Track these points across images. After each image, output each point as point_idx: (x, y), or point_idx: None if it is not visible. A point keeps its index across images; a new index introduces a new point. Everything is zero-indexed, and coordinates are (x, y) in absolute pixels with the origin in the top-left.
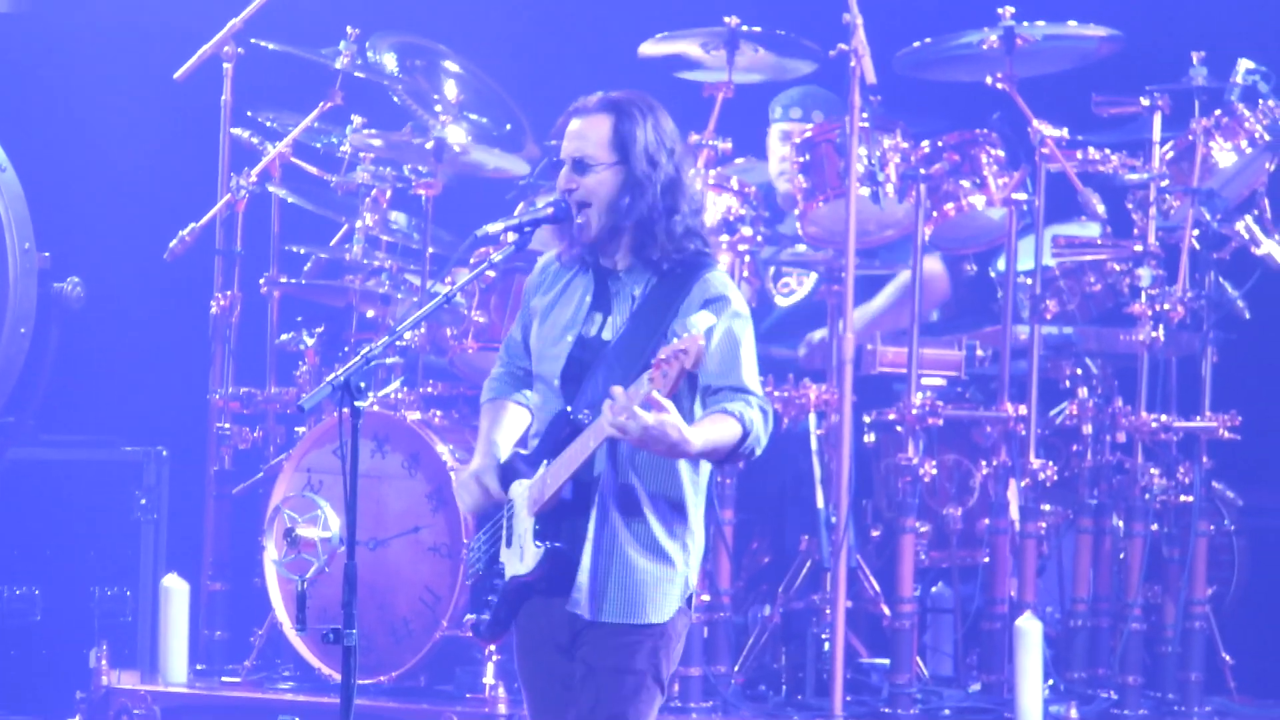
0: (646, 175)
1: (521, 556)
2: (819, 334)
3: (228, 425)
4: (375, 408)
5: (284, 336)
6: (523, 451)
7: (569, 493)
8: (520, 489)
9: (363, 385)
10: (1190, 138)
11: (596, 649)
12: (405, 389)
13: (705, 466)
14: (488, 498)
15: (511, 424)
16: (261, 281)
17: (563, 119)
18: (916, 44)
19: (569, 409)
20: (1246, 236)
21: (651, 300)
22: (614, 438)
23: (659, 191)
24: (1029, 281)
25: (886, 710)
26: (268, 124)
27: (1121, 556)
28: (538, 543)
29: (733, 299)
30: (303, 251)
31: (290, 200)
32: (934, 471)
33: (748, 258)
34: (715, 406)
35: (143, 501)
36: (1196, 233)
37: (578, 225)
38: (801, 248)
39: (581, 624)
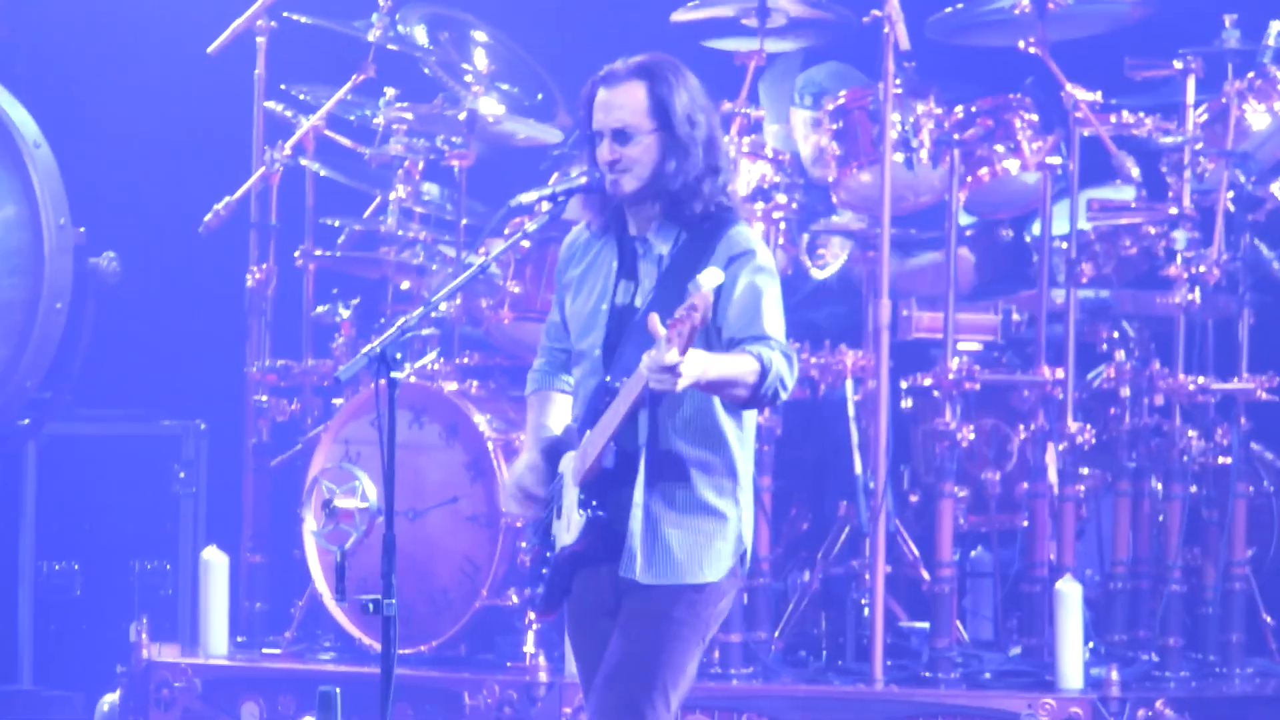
0: (690, 137)
1: (568, 527)
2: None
3: (265, 398)
4: (412, 379)
5: (320, 309)
6: (572, 426)
7: (611, 461)
8: (568, 462)
9: (399, 356)
10: (1224, 100)
11: (637, 603)
12: (441, 360)
13: (749, 422)
14: (531, 503)
15: (558, 413)
16: (297, 254)
17: (587, 89)
18: (949, 9)
19: (608, 378)
20: None
21: (678, 261)
22: (652, 400)
23: (701, 152)
24: (1064, 245)
25: (927, 674)
26: (301, 97)
27: (1160, 519)
28: (580, 511)
29: (758, 251)
30: (337, 224)
31: (324, 173)
32: (971, 436)
33: (783, 224)
34: (737, 349)
35: (181, 475)
36: (1231, 195)
37: (615, 192)
38: (838, 217)
39: (630, 586)
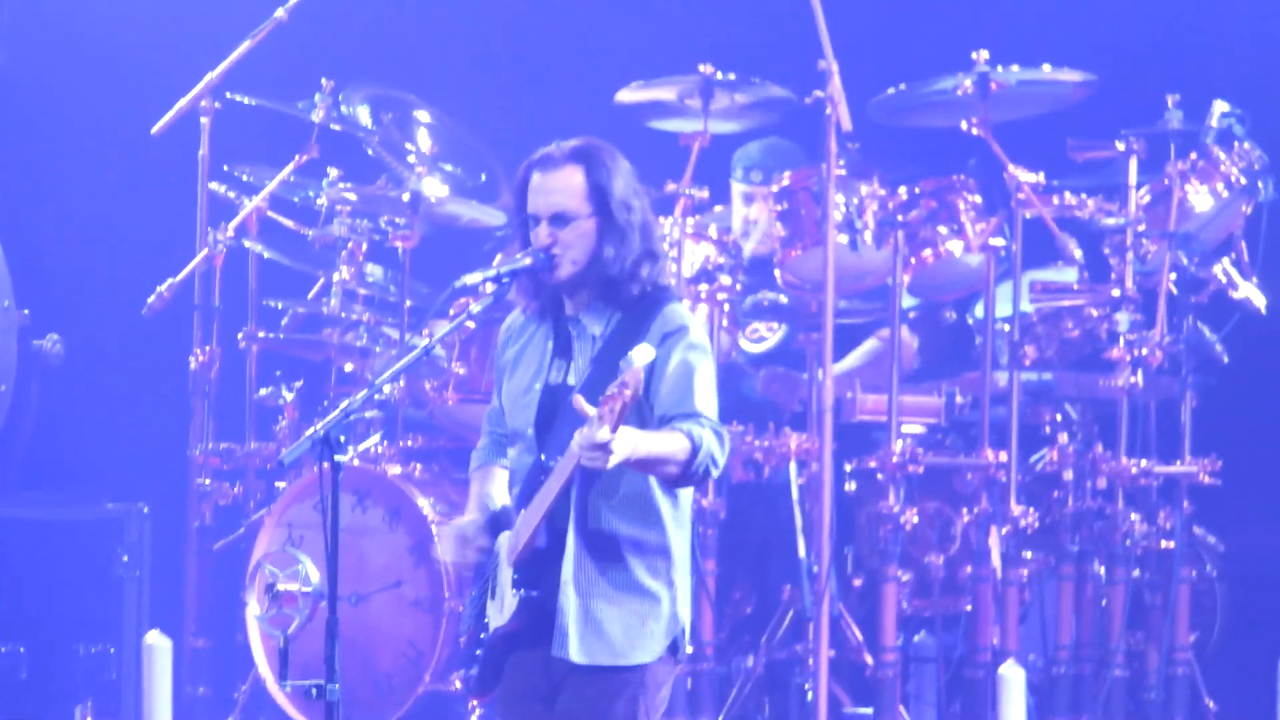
0: (628, 222)
1: (502, 608)
2: (778, 368)
3: (208, 481)
4: (355, 462)
5: (263, 391)
6: (509, 506)
7: (545, 541)
8: (504, 541)
9: (342, 439)
10: (1166, 181)
11: (575, 697)
12: (385, 443)
13: (685, 502)
14: (468, 547)
15: (500, 487)
16: (240, 336)
17: (521, 173)
18: (891, 90)
19: (543, 457)
20: (1224, 280)
21: (612, 341)
22: (585, 479)
23: (638, 237)
24: (1007, 327)
25: None
26: (244, 178)
27: (1104, 603)
28: (514, 591)
29: (690, 329)
30: (280, 306)
31: (267, 255)
32: (915, 519)
33: (727, 306)
34: (667, 427)
35: (125, 558)
36: (1174, 277)
37: (551, 278)
38: (769, 295)
39: (562, 670)
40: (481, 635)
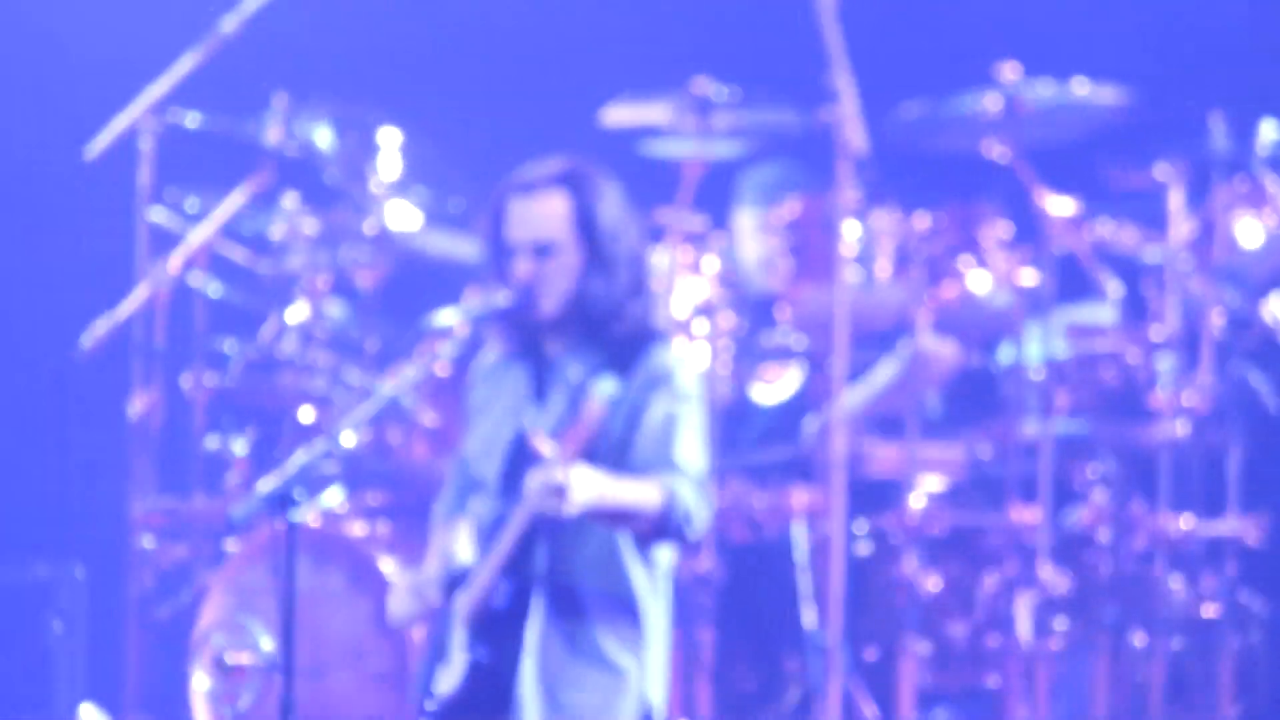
0: (615, 254)
1: (450, 672)
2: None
3: (150, 541)
4: (313, 521)
5: (211, 442)
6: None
7: (503, 600)
8: (460, 599)
9: (299, 495)
10: (1212, 211)
11: None
12: (346, 500)
13: (662, 564)
14: (419, 604)
15: (463, 540)
16: (185, 381)
17: (496, 199)
18: (910, 109)
19: (508, 509)
20: (1274, 320)
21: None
22: (552, 536)
23: (625, 270)
24: (1037, 372)
25: None
26: (189, 207)
27: (1142, 677)
28: (463, 653)
29: (677, 374)
30: (230, 348)
31: (215, 291)
32: (935, 585)
33: (730, 349)
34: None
35: (57, 626)
36: (1220, 316)
37: (534, 315)
38: (779, 335)
39: None
40: (426, 704)
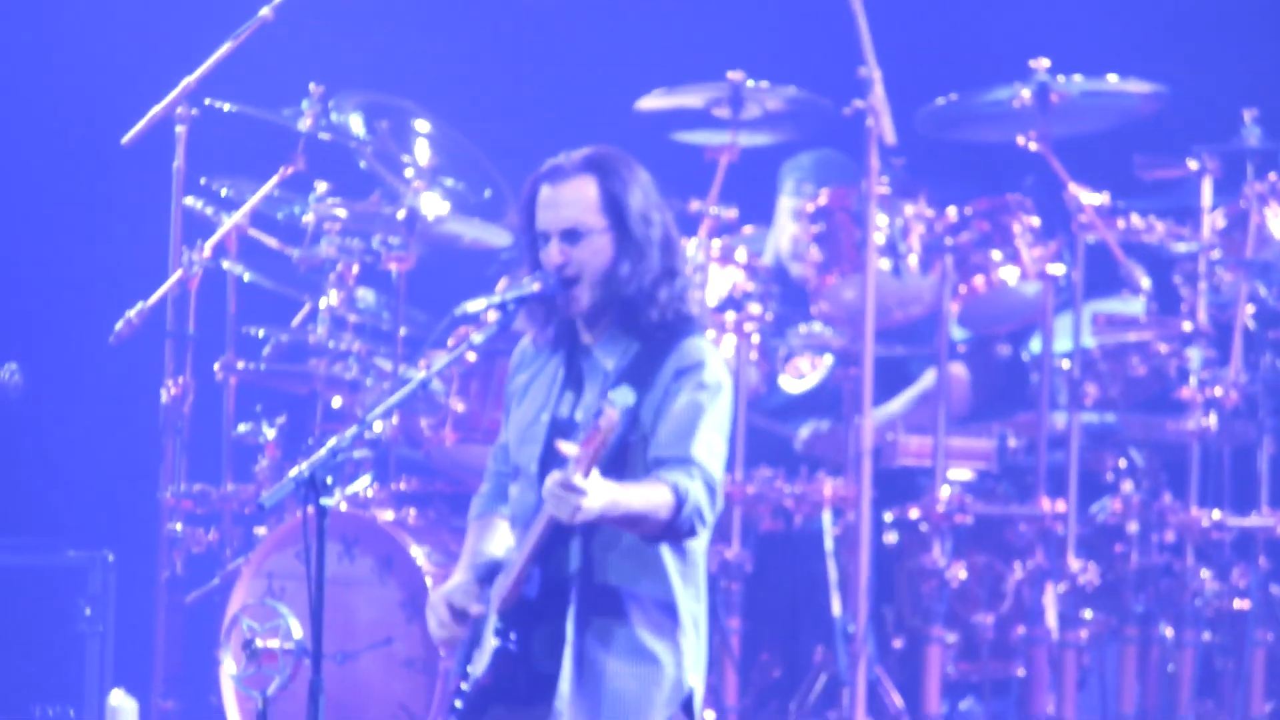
0: (646, 236)
1: (481, 656)
2: (808, 429)
3: (180, 526)
4: (343, 506)
5: (241, 428)
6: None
7: (535, 590)
8: (495, 587)
9: (329, 481)
10: (1243, 204)
11: None
12: (376, 485)
13: (696, 555)
14: (459, 622)
15: (499, 540)
16: (217, 367)
17: (528, 188)
18: (941, 100)
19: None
20: None
21: (626, 375)
22: (587, 529)
23: (657, 254)
24: (1067, 364)
25: None
26: (223, 193)
27: (1170, 669)
28: (493, 638)
29: (708, 366)
30: (262, 334)
31: (248, 277)
32: (962, 575)
33: (756, 338)
34: (652, 476)
35: (87, 611)
36: (1251, 309)
37: (566, 302)
38: (815, 326)
39: None
40: (463, 686)
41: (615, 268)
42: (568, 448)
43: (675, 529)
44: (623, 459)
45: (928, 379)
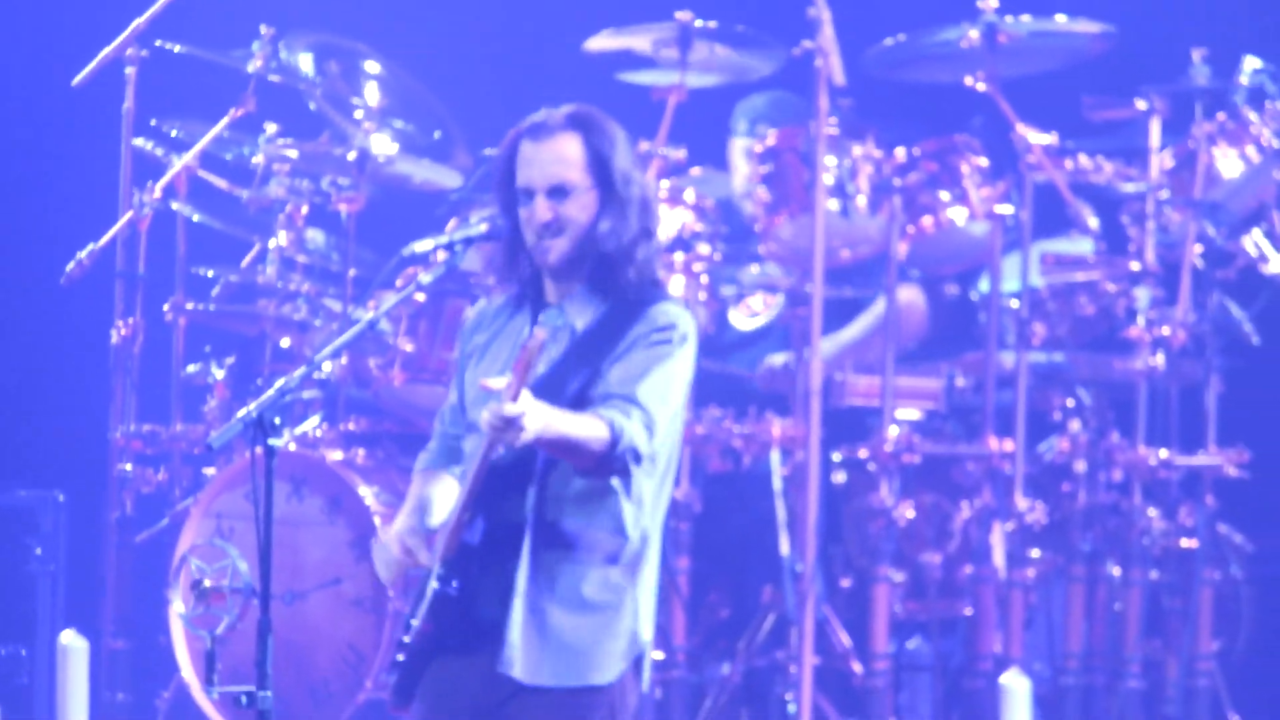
0: (627, 197)
1: (422, 606)
2: (780, 358)
3: (130, 466)
4: (291, 446)
5: (191, 368)
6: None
7: (477, 536)
8: (438, 535)
9: (278, 421)
10: (1191, 144)
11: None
12: (324, 426)
13: (651, 503)
14: (411, 562)
15: (443, 492)
16: (166, 307)
17: (508, 144)
18: (889, 41)
19: (501, 450)
20: (1254, 253)
21: (593, 335)
22: (541, 476)
23: (636, 213)
24: (1015, 304)
25: None
26: (173, 134)
27: (1118, 607)
28: (433, 583)
29: (678, 328)
30: (211, 274)
31: (197, 218)
32: (910, 514)
33: (705, 279)
34: (591, 410)
35: (38, 551)
36: (1199, 249)
37: (544, 261)
38: (769, 268)
39: (513, 690)
40: (405, 638)
41: (596, 225)
42: (494, 381)
43: (608, 464)
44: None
45: (879, 306)
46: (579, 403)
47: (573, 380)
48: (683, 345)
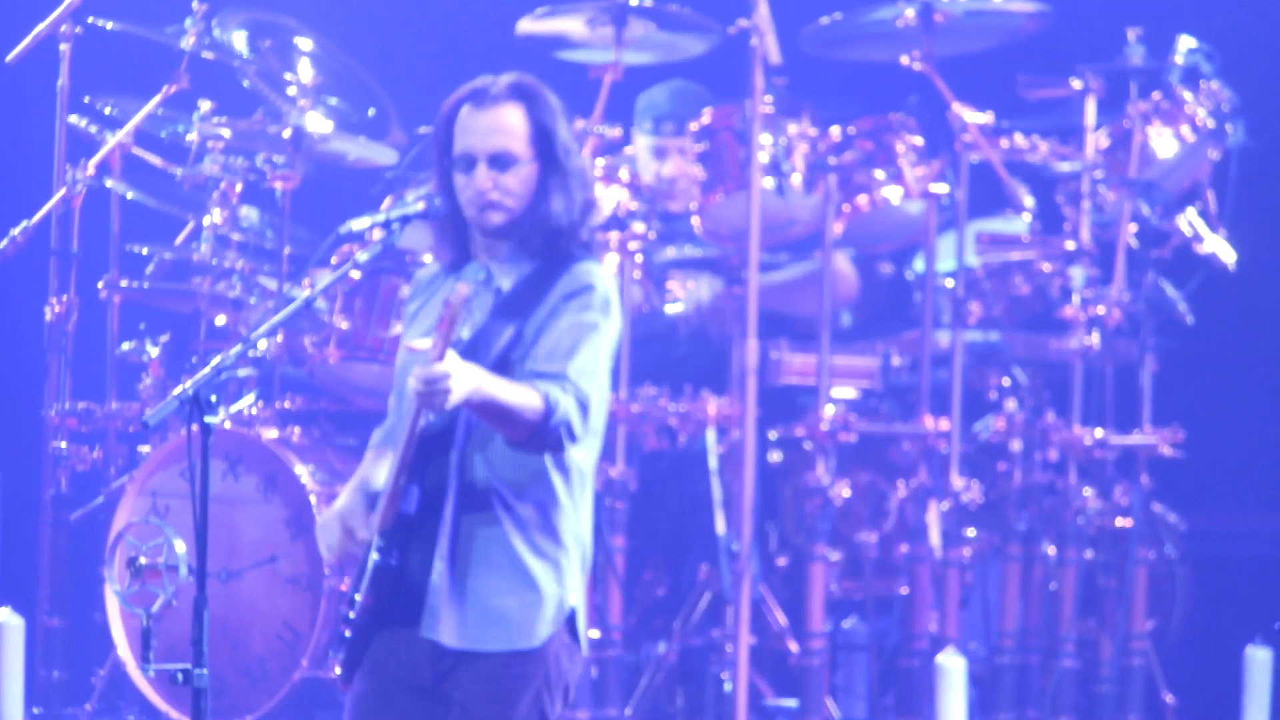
0: (569, 168)
1: (364, 580)
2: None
3: (64, 444)
4: (227, 424)
5: (125, 346)
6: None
7: (413, 505)
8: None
9: (213, 399)
10: (1126, 123)
11: (470, 694)
12: (260, 403)
13: (580, 467)
14: (352, 541)
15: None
16: (100, 285)
17: (449, 108)
18: (825, 20)
19: (431, 417)
20: (1189, 233)
21: (518, 294)
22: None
23: (576, 184)
24: (950, 283)
25: None
26: (107, 111)
27: (1053, 587)
28: (373, 556)
29: (597, 290)
30: (145, 252)
31: (131, 195)
32: (846, 493)
33: (639, 257)
34: (526, 381)
35: None
36: (1134, 228)
37: (483, 225)
38: (691, 248)
39: (446, 657)
40: (350, 613)
41: (538, 197)
42: (419, 342)
43: (541, 436)
44: (505, 375)
45: (815, 261)
46: (503, 364)
47: (497, 341)
48: (606, 313)
